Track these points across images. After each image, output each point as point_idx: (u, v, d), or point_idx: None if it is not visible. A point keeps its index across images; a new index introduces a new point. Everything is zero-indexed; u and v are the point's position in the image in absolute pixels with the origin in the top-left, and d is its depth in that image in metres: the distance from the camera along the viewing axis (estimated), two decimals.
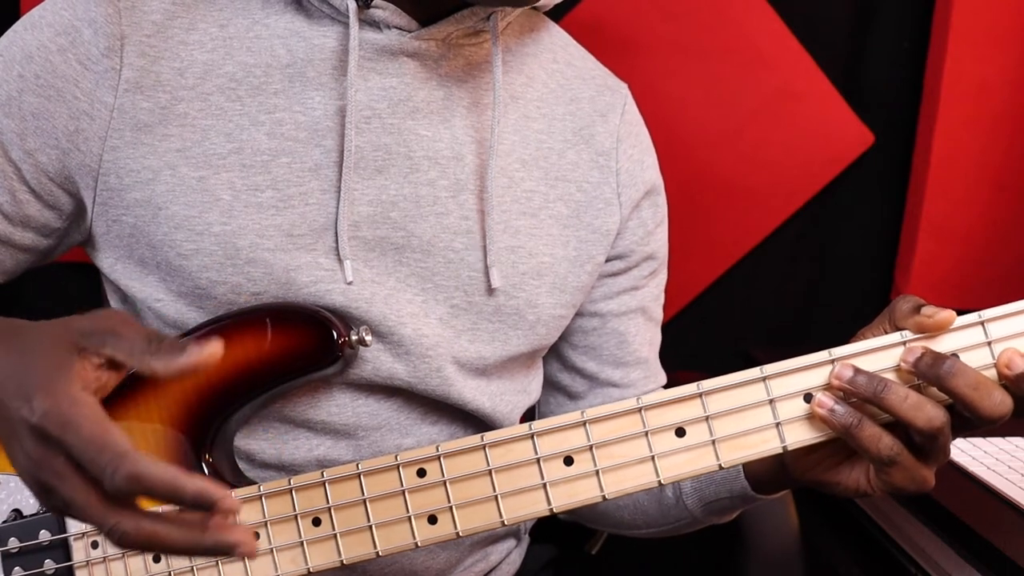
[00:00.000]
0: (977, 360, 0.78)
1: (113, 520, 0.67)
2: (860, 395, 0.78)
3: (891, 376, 0.79)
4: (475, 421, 1.02)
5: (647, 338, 1.13)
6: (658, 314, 1.15)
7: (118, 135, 0.90)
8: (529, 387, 1.08)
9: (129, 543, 0.67)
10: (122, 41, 0.90)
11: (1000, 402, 0.76)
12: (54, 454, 0.67)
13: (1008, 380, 0.77)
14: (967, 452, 1.28)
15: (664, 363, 1.18)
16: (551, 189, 1.01)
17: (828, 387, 0.79)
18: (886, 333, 0.81)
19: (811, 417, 0.80)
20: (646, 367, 1.13)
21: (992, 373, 0.78)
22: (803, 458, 0.86)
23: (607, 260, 1.06)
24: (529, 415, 1.12)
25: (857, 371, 0.78)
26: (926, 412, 0.76)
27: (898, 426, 0.78)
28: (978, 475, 1.21)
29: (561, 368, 1.13)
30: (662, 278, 1.14)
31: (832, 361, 0.80)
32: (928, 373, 0.77)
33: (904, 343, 0.79)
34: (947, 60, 1.79)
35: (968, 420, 0.78)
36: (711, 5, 1.79)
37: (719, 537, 1.18)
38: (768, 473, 0.93)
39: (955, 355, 0.78)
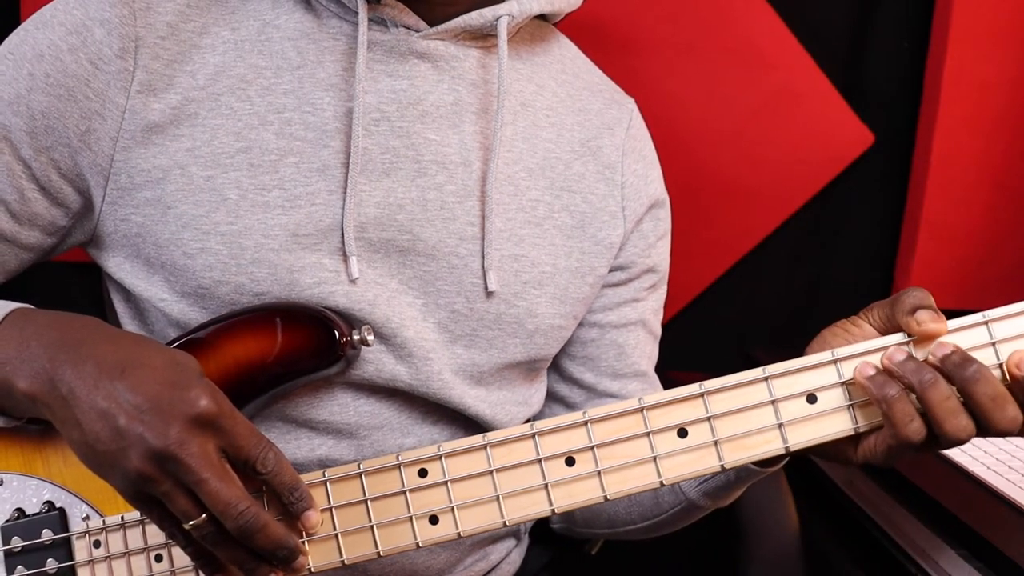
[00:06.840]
0: (980, 360, 0.77)
1: (247, 502, 0.75)
2: (904, 381, 0.77)
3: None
4: (476, 425, 1.02)
5: (646, 351, 1.13)
6: (657, 328, 1.15)
7: (130, 135, 0.90)
8: (531, 399, 1.08)
9: (249, 527, 0.75)
10: (137, 43, 0.89)
11: (1012, 418, 0.77)
12: (206, 438, 0.75)
13: (1016, 381, 0.77)
14: (967, 452, 1.28)
15: (664, 363, 1.18)
16: (556, 199, 1.01)
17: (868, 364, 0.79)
18: (882, 323, 0.81)
19: (814, 417, 0.79)
20: (644, 380, 1.13)
21: (997, 374, 0.78)
22: None
23: (609, 271, 1.06)
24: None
25: (909, 357, 0.78)
26: (960, 420, 0.77)
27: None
28: (978, 475, 1.20)
29: (559, 379, 1.12)
30: (662, 292, 1.14)
31: (835, 361, 0.80)
32: (954, 372, 0.77)
33: (907, 343, 0.79)
34: (947, 60, 1.79)
35: (978, 427, 0.78)
36: (711, 5, 1.79)
37: (719, 537, 1.18)
38: None
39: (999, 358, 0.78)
